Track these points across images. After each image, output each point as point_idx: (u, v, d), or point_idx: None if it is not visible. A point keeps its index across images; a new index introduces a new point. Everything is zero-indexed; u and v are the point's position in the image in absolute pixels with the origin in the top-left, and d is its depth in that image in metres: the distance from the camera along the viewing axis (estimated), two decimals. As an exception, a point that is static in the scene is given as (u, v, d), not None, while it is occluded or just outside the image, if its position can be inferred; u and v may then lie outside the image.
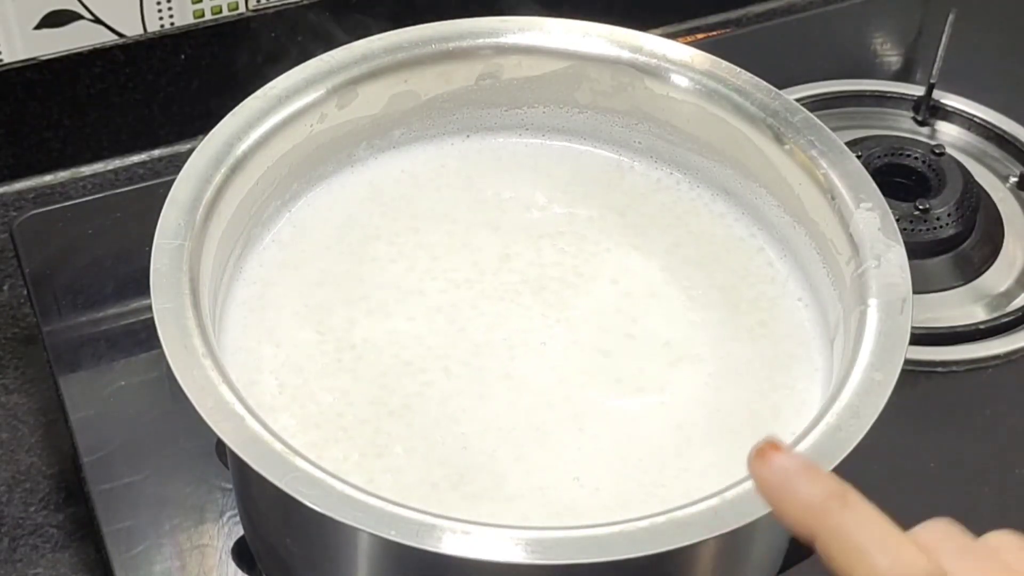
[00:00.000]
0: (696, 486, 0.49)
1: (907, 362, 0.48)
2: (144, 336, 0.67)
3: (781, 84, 0.59)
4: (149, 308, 0.48)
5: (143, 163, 0.81)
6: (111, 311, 0.69)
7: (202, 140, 0.54)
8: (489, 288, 0.56)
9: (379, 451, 0.50)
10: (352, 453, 0.50)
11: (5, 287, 0.75)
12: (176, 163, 0.77)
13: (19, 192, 0.79)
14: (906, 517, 0.62)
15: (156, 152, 0.81)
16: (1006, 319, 0.69)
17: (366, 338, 0.54)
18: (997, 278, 0.72)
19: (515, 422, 0.51)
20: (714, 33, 0.90)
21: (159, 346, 0.47)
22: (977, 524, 0.62)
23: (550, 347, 0.54)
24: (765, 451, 0.39)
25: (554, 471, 0.50)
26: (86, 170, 0.80)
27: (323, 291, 0.56)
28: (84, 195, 0.78)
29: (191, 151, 0.54)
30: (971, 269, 0.72)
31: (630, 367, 0.53)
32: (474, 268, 0.57)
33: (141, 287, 0.49)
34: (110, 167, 0.80)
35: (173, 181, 0.52)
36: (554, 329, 0.54)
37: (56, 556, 0.64)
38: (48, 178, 0.79)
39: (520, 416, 0.52)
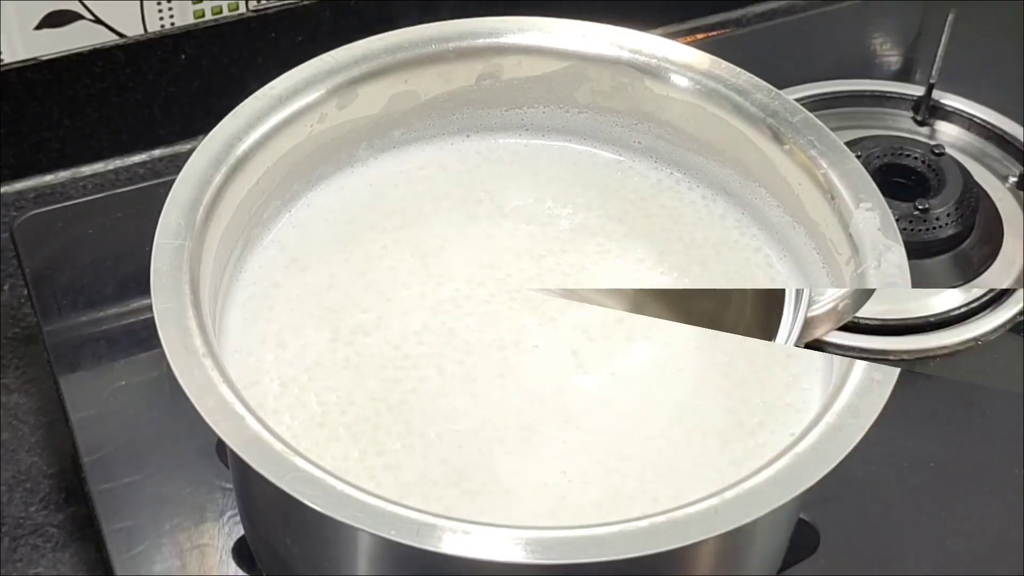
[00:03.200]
0: (691, 485, 0.49)
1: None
2: (144, 336, 0.67)
3: (781, 84, 0.59)
4: (149, 308, 0.48)
5: (143, 163, 0.81)
6: (111, 311, 0.69)
7: (202, 140, 0.54)
8: (486, 289, 0.56)
9: (379, 448, 0.50)
10: (353, 450, 0.50)
11: (5, 287, 0.74)
12: (176, 163, 0.77)
13: (19, 192, 0.79)
14: (906, 516, 0.62)
15: (156, 152, 0.81)
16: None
17: (367, 337, 0.54)
18: (997, 278, 0.72)
19: (507, 421, 0.51)
20: (714, 33, 0.90)
21: (159, 346, 0.47)
22: (976, 523, 0.62)
23: (542, 349, 0.54)
24: None
25: (546, 467, 0.50)
26: (86, 170, 0.80)
27: (324, 290, 0.56)
28: (84, 195, 0.78)
29: (191, 151, 0.54)
30: (971, 269, 0.72)
31: (629, 368, 0.53)
32: (472, 269, 0.56)
33: (141, 287, 0.49)
34: (110, 167, 0.80)
35: (173, 181, 0.52)
36: (548, 331, 0.54)
37: (56, 556, 0.64)
38: (48, 178, 0.79)
39: (512, 415, 0.52)
